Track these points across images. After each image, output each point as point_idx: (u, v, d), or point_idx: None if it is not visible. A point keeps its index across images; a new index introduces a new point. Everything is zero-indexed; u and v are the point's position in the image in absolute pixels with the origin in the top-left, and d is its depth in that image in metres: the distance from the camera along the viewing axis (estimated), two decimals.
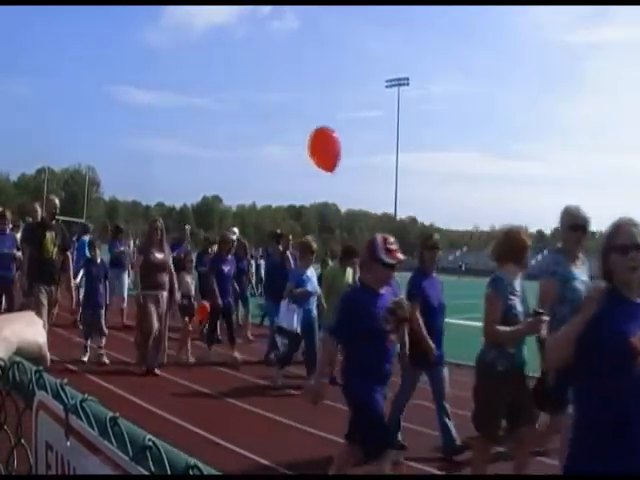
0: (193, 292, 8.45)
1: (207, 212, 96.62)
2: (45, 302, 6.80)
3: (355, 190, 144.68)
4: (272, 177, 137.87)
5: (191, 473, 0.65)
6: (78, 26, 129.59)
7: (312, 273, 7.35)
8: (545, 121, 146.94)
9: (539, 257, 78.29)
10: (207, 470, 0.65)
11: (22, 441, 0.97)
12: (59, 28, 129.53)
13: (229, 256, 8.58)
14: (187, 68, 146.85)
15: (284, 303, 7.02)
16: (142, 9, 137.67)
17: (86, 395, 0.84)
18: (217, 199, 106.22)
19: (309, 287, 7.18)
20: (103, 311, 7.96)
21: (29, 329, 1.02)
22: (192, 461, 0.65)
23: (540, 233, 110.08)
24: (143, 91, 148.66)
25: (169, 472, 0.67)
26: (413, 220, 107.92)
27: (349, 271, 7.46)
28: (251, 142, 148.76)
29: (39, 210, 9.18)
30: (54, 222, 7.22)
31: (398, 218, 72.60)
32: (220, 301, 8.10)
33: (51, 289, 6.96)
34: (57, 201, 7.55)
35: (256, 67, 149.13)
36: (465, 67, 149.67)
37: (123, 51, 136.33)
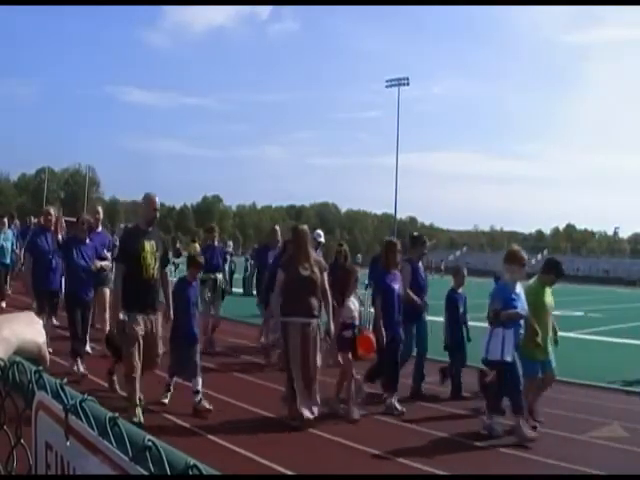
0: (357, 317, 6.46)
1: (207, 212, 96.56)
2: (140, 339, 5.28)
3: (355, 190, 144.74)
4: (272, 177, 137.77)
5: (190, 473, 0.65)
6: (78, 26, 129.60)
7: (521, 289, 5.85)
8: (545, 121, 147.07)
9: (539, 257, 78.31)
10: (206, 470, 0.65)
11: (22, 441, 0.97)
12: (59, 28, 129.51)
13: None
14: (187, 69, 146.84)
15: (489, 328, 5.73)
16: (142, 10, 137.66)
17: (86, 395, 0.84)
18: (217, 199, 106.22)
19: (519, 307, 5.69)
20: (199, 346, 6.20)
21: (29, 329, 1.02)
22: (191, 461, 0.65)
23: (540, 233, 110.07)
24: (143, 91, 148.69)
25: (169, 472, 0.67)
26: (413, 220, 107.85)
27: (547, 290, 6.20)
28: (251, 142, 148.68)
29: (101, 212, 8.71)
30: (151, 228, 5.69)
31: (398, 218, 72.53)
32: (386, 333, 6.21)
33: (150, 319, 5.43)
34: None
35: (256, 67, 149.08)
36: (465, 67, 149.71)
37: (123, 52, 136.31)
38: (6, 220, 12.03)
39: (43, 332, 1.05)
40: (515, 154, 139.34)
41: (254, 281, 11.64)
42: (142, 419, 5.12)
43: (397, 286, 6.46)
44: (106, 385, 6.25)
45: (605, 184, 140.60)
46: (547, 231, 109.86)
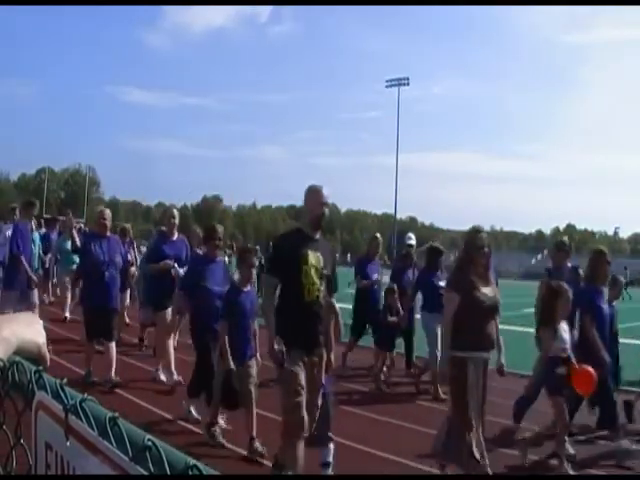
0: (568, 347, 4.90)
1: (207, 212, 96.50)
2: (303, 386, 3.85)
3: (355, 190, 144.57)
4: (272, 177, 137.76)
5: (190, 473, 0.65)
6: (79, 27, 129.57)
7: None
8: (545, 121, 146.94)
9: (539, 257, 78.26)
10: (206, 470, 0.65)
11: (22, 441, 0.97)
12: (59, 28, 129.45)
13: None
14: (187, 69, 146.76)
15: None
16: (142, 10, 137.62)
17: (85, 395, 0.84)
18: (217, 199, 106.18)
19: None
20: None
21: (29, 329, 1.02)
22: (191, 461, 0.65)
23: (540, 233, 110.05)
24: (143, 91, 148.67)
25: (168, 472, 0.67)
26: (413, 220, 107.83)
27: None
28: (251, 142, 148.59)
29: (176, 216, 7.07)
30: (318, 234, 4.17)
31: (398, 218, 72.51)
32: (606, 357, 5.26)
33: (313, 360, 3.96)
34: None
35: (256, 68, 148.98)
36: (465, 67, 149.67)
37: (123, 52, 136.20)
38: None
39: (43, 332, 1.05)
40: (515, 154, 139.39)
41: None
42: None
43: (605, 305, 5.73)
44: (204, 436, 4.98)
45: (605, 184, 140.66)
46: (547, 231, 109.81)
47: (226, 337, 4.83)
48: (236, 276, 5.48)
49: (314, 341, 3.98)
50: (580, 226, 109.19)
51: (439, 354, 5.22)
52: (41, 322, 1.07)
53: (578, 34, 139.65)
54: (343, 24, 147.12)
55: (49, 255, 11.98)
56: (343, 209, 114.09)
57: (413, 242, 8.86)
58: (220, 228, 5.85)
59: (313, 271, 3.94)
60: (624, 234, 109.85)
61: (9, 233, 8.46)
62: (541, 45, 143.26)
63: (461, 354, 4.21)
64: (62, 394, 0.86)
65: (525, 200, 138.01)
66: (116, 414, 0.78)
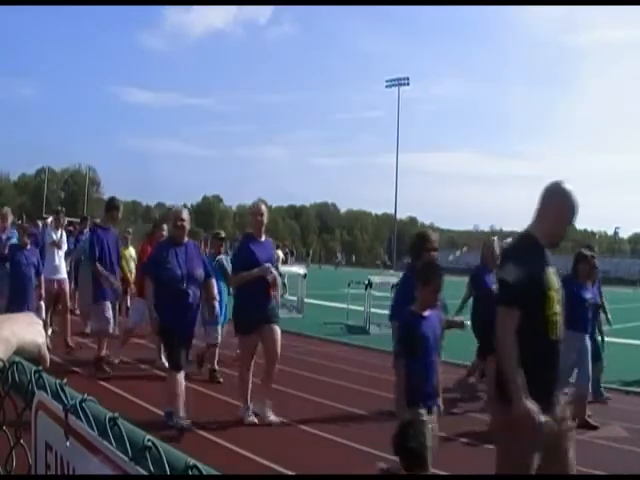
0: None
1: (207, 212, 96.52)
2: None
3: (355, 190, 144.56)
4: (272, 177, 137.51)
5: (190, 473, 0.65)
6: (79, 27, 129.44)
7: None
8: (545, 121, 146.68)
9: None
10: (206, 470, 0.65)
11: (21, 441, 0.97)
12: (60, 29, 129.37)
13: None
14: (187, 70, 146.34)
15: None
16: (143, 13, 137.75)
17: (85, 395, 0.84)
18: (217, 199, 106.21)
19: None
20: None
21: (29, 329, 1.02)
22: (191, 461, 0.66)
23: None
24: (144, 92, 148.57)
25: (168, 472, 0.67)
26: (413, 220, 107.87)
27: None
28: (251, 142, 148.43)
29: (265, 211, 5.71)
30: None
31: (398, 218, 72.57)
32: None
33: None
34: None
35: (256, 69, 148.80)
36: (465, 67, 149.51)
37: (124, 53, 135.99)
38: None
39: (43, 332, 1.05)
40: (515, 154, 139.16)
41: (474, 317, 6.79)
42: None
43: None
44: None
45: (605, 184, 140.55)
46: None
47: (404, 378, 3.73)
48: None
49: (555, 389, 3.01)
50: (580, 226, 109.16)
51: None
52: (41, 322, 1.07)
53: (578, 34, 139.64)
54: (343, 24, 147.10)
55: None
56: (343, 209, 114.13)
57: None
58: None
59: (556, 297, 2.96)
60: (624, 234, 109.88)
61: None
62: (541, 45, 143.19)
63: None
64: (62, 394, 0.86)
65: (525, 200, 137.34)
66: (116, 414, 0.78)
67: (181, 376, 5.20)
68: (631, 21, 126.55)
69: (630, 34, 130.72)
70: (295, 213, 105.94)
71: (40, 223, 13.02)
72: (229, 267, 6.76)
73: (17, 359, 0.97)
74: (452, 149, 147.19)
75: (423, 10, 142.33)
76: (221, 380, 7.01)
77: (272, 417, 5.50)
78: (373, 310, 12.33)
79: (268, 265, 5.43)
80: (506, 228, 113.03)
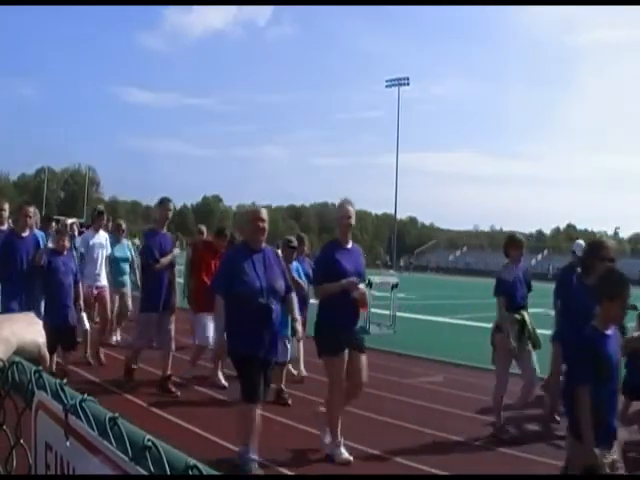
0: None
1: (207, 212, 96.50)
2: None
3: (355, 190, 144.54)
4: (272, 177, 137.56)
5: (190, 473, 0.65)
6: (80, 28, 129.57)
7: None
8: (545, 121, 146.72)
9: (539, 257, 78.23)
10: (206, 470, 0.65)
11: (21, 441, 0.97)
12: (60, 29, 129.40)
13: None
14: (187, 70, 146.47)
15: None
16: (143, 13, 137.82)
17: (85, 395, 0.84)
18: (217, 199, 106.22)
19: None
20: None
21: (29, 329, 1.02)
22: (191, 461, 0.65)
23: (540, 233, 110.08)
24: (144, 92, 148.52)
25: (168, 472, 0.67)
26: (413, 220, 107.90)
27: None
28: (251, 142, 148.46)
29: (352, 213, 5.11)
30: None
31: (398, 218, 72.63)
32: None
33: None
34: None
35: (256, 69, 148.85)
36: (465, 67, 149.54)
37: (125, 53, 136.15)
38: (123, 224, 9.22)
39: (43, 332, 1.04)
40: (515, 154, 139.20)
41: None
42: None
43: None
44: None
45: (605, 184, 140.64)
46: (547, 231, 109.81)
47: (589, 407, 3.17)
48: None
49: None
50: (580, 226, 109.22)
51: None
52: (40, 322, 1.07)
53: (578, 34, 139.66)
54: (343, 24, 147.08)
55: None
56: None
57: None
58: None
59: None
60: (624, 234, 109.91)
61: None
62: (541, 45, 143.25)
63: None
64: (62, 394, 0.86)
65: (525, 200, 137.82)
66: (116, 414, 0.78)
67: (257, 409, 4.44)
68: (631, 21, 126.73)
69: (630, 34, 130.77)
70: (295, 213, 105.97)
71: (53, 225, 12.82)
72: (301, 277, 6.56)
73: (17, 359, 0.97)
74: (452, 149, 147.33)
75: (423, 10, 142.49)
76: (290, 402, 6.27)
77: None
78: (373, 310, 12.33)
79: (355, 279, 4.73)
80: (506, 228, 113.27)
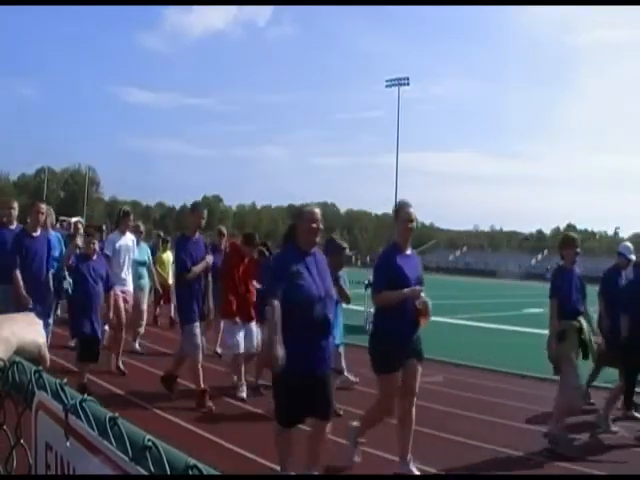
0: None
1: (207, 212, 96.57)
2: None
3: (355, 190, 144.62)
4: (272, 177, 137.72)
5: (190, 473, 0.65)
6: (80, 28, 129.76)
7: None
8: (545, 121, 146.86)
9: (539, 257, 78.18)
10: (207, 470, 0.65)
11: (22, 441, 0.97)
12: (60, 29, 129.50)
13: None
14: (187, 70, 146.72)
15: None
16: (143, 14, 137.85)
17: (85, 395, 0.84)
18: (217, 199, 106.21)
19: None
20: None
21: (29, 329, 1.02)
22: (192, 461, 0.65)
23: (540, 233, 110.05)
24: (144, 92, 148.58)
25: (169, 472, 0.67)
26: None
27: None
28: (251, 142, 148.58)
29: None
30: None
31: None
32: None
33: None
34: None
35: (256, 69, 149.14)
36: (465, 67, 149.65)
37: (125, 54, 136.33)
38: (141, 226, 8.99)
39: (43, 332, 1.04)
40: (515, 154, 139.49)
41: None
42: None
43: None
44: None
45: (605, 184, 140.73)
46: (547, 231, 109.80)
47: None
48: None
49: None
50: (580, 226, 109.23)
51: None
52: (40, 322, 1.07)
53: (578, 34, 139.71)
54: (343, 24, 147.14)
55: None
56: (343, 209, 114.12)
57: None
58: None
59: None
60: (624, 234, 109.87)
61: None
62: (541, 45, 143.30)
63: None
64: (62, 394, 0.86)
65: (525, 200, 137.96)
66: (116, 414, 0.78)
67: (293, 433, 4.08)
68: (631, 21, 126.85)
69: (630, 34, 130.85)
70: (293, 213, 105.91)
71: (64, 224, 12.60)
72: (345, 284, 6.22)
73: (17, 359, 0.97)
74: (452, 149, 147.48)
75: (423, 10, 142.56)
76: (341, 413, 5.71)
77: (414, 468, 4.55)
78: (373, 310, 12.31)
79: (418, 287, 4.52)
80: (506, 228, 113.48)
